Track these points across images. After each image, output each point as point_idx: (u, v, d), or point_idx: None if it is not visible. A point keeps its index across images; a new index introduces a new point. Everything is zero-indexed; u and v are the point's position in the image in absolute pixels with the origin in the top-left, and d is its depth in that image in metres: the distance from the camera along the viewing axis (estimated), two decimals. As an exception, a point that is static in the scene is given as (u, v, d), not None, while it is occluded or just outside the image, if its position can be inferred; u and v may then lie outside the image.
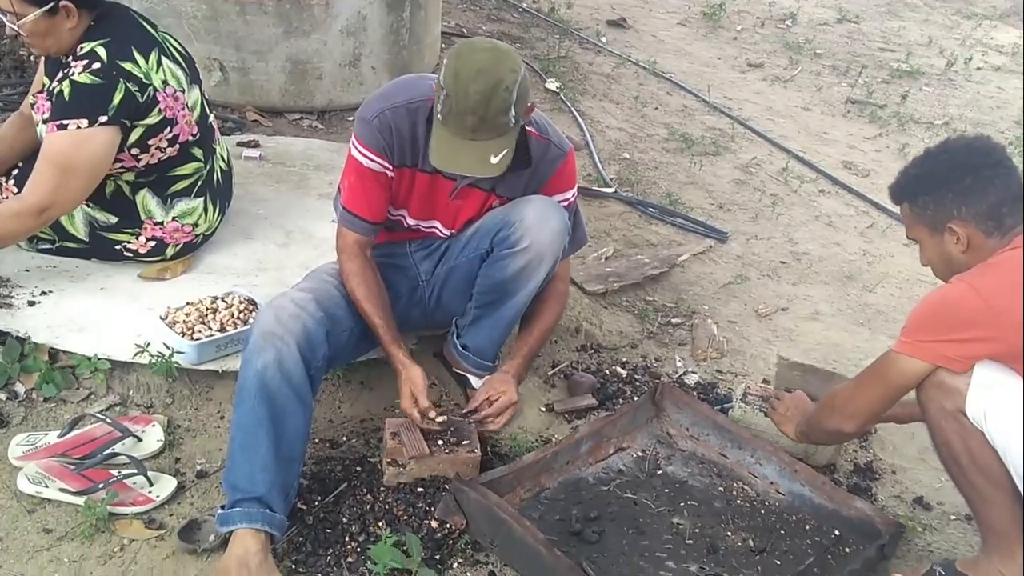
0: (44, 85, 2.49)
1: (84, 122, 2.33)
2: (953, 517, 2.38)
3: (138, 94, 2.39)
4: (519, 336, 2.45)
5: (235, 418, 2.01)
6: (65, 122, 2.33)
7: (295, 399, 2.02)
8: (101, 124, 2.34)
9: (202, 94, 2.70)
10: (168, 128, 2.50)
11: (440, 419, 2.22)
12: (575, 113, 4.73)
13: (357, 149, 2.20)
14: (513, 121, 2.02)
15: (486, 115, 1.97)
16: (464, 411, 2.33)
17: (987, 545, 2.01)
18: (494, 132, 2.00)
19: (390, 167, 2.20)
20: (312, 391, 2.08)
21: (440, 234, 2.38)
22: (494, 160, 2.03)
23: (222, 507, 1.95)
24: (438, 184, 2.25)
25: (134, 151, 2.48)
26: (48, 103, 2.39)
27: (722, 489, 2.34)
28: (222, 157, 2.86)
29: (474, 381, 2.48)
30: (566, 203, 2.33)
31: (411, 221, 2.34)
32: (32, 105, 2.53)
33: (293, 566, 1.97)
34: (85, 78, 2.33)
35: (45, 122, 2.39)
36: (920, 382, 1.93)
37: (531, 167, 2.23)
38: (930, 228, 2.01)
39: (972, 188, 1.92)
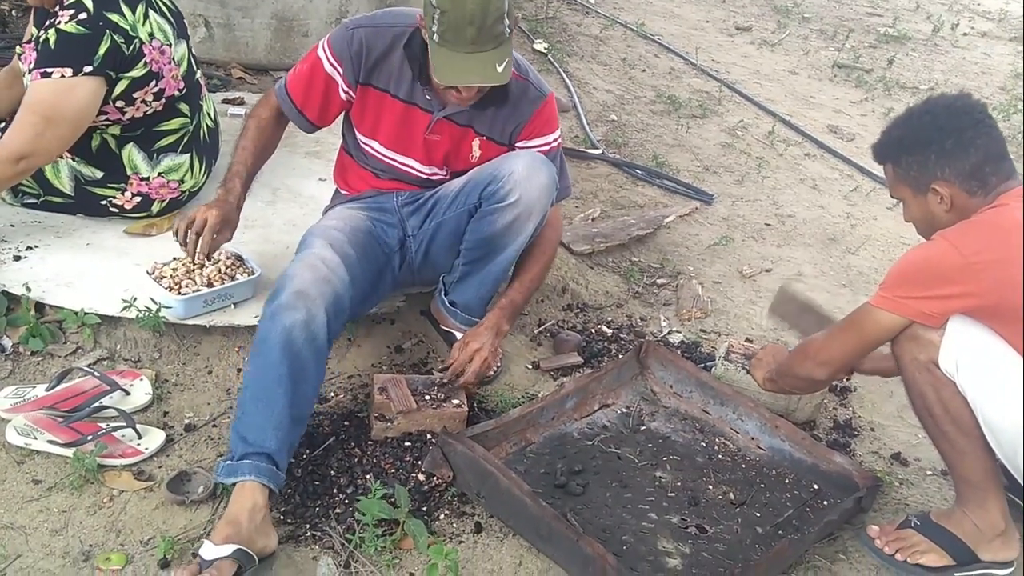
0: (33, 35, 2.46)
1: (68, 71, 2.31)
2: (929, 472, 2.43)
3: (124, 46, 2.37)
4: (505, 286, 2.44)
5: (251, 369, 1.99)
6: (49, 70, 2.31)
7: (315, 362, 2.02)
8: (86, 74, 2.32)
9: (189, 50, 2.68)
10: (154, 82, 2.48)
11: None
12: (563, 74, 4.71)
13: (323, 48, 2.25)
14: (508, 29, 2.03)
15: (484, 23, 1.98)
16: (441, 369, 2.33)
17: (960, 496, 2.07)
18: (493, 41, 2.01)
19: (344, 82, 2.24)
20: (327, 354, 2.10)
21: (417, 173, 2.37)
22: (499, 68, 2.04)
23: (228, 459, 1.93)
24: (413, 117, 2.26)
25: (119, 103, 2.46)
26: (34, 53, 2.37)
27: (704, 444, 2.38)
28: (209, 114, 2.84)
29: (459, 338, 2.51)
30: (550, 147, 2.34)
31: (386, 153, 2.34)
32: (20, 56, 2.50)
33: (282, 517, 2.00)
34: (71, 27, 2.31)
35: (30, 71, 2.36)
36: (895, 335, 1.97)
37: (508, 102, 2.23)
38: (913, 188, 2.03)
39: (954, 149, 1.94)
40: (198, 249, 2.22)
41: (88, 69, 2.32)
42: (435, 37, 2.02)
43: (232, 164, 2.32)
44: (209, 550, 1.78)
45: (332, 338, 2.10)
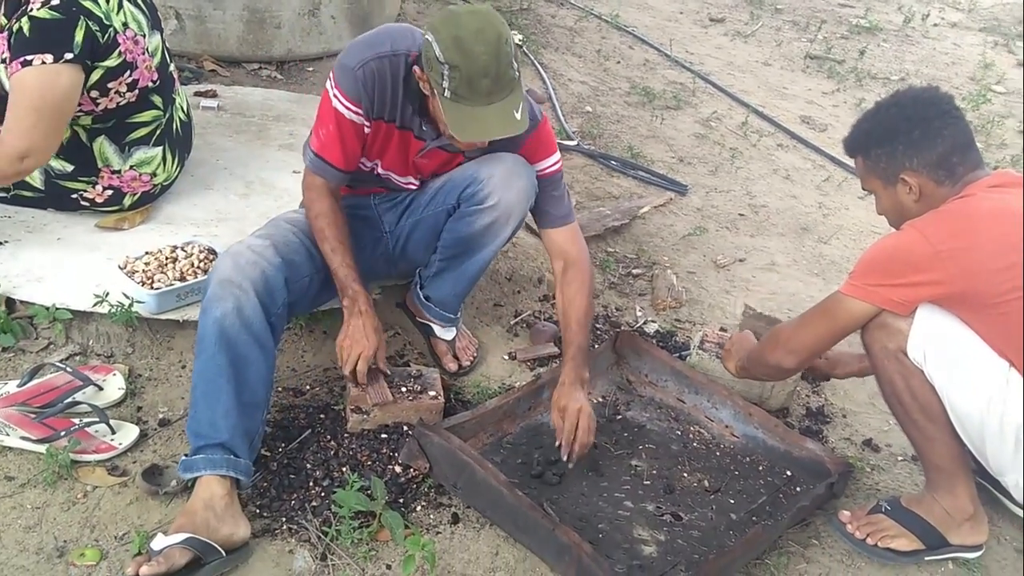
0: (3, 25, 2.43)
1: (49, 57, 2.28)
2: (900, 458, 2.46)
3: (99, 34, 2.34)
4: (563, 332, 2.32)
5: (196, 367, 2.00)
6: (29, 57, 2.27)
7: (255, 346, 2.02)
8: (67, 61, 2.29)
9: (163, 41, 2.66)
10: (128, 72, 2.46)
11: (375, 399, 2.21)
12: (538, 66, 4.72)
13: (337, 98, 2.13)
14: (518, 73, 1.98)
15: (498, 73, 1.92)
16: (557, 445, 2.20)
17: (930, 482, 2.10)
18: (506, 88, 1.95)
19: (368, 121, 2.16)
20: (274, 338, 2.08)
21: (412, 187, 2.37)
22: (517, 115, 1.98)
23: (185, 455, 1.96)
24: (409, 141, 2.23)
25: (93, 94, 2.43)
26: (6, 43, 2.34)
27: (679, 432, 2.40)
28: (181, 108, 2.82)
29: (437, 330, 2.51)
30: (553, 169, 2.31)
31: (383, 171, 2.31)
32: None
33: (258, 510, 2.00)
34: (44, 13, 2.28)
35: (6, 62, 2.33)
36: (864, 323, 1.99)
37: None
38: (883, 180, 2.05)
39: (921, 140, 1.97)
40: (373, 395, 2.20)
41: (69, 56, 2.29)
42: (446, 93, 1.95)
43: (336, 272, 2.17)
44: (159, 541, 1.78)
45: (276, 319, 2.08)
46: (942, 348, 1.91)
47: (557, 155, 2.33)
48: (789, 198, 3.95)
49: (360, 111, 2.14)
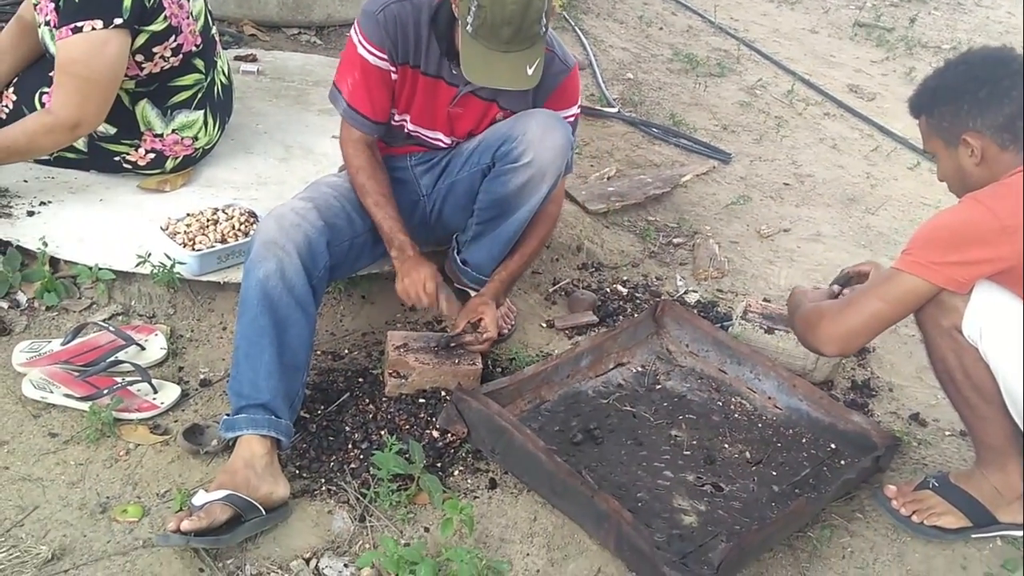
0: None
1: (99, 23, 2.27)
2: (948, 433, 2.41)
3: None
4: (506, 259, 2.39)
5: (238, 328, 2.01)
6: (79, 24, 2.27)
7: (297, 308, 2.02)
8: (116, 27, 2.29)
9: (206, 4, 2.65)
10: (173, 36, 2.45)
11: (446, 308, 2.23)
12: (579, 32, 4.65)
13: (361, 44, 2.14)
14: (544, 28, 1.97)
15: (522, 25, 1.92)
16: (449, 337, 2.29)
17: (980, 459, 2.05)
18: (528, 42, 1.96)
19: (393, 67, 2.16)
20: (315, 301, 2.08)
21: (442, 144, 2.35)
22: (529, 71, 1.99)
23: (227, 414, 1.97)
24: (439, 89, 2.21)
25: (138, 58, 2.43)
26: (52, 4, 2.34)
27: (720, 403, 2.37)
28: (223, 71, 2.81)
29: (474, 296, 2.49)
30: (569, 119, 2.30)
31: (412, 127, 2.30)
32: (35, 6, 2.46)
33: (297, 471, 2.00)
34: None
35: (50, 25, 2.33)
36: (923, 304, 1.89)
37: None
38: (946, 141, 1.96)
39: (988, 99, 1.87)
40: (442, 299, 2.21)
41: (119, 21, 2.28)
42: (468, 28, 1.95)
43: (381, 225, 2.20)
44: (200, 497, 1.80)
45: (318, 282, 2.08)
46: (999, 326, 1.84)
47: (577, 107, 2.32)
48: (836, 168, 3.86)
49: (384, 55, 2.13)
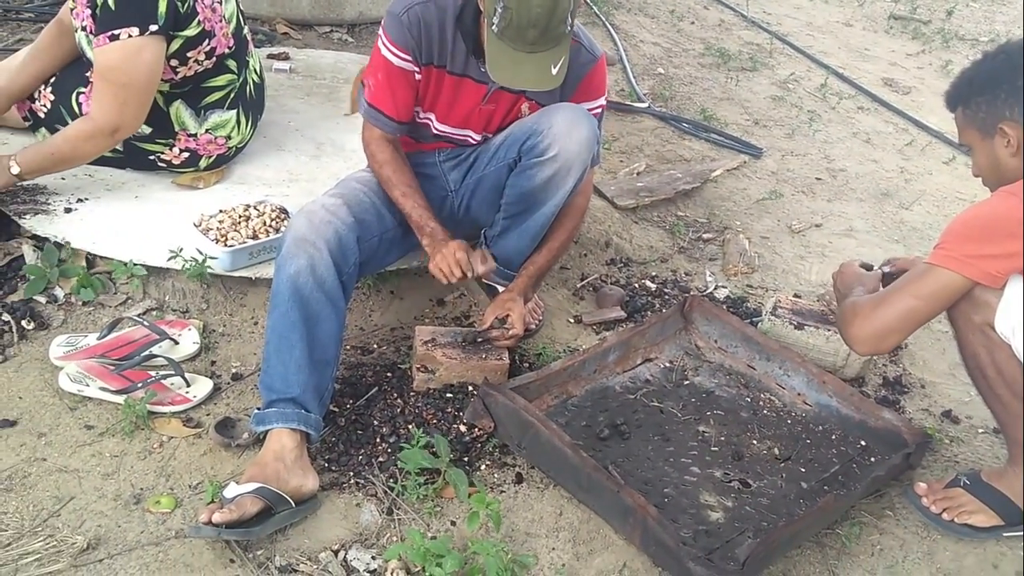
0: None
1: (135, 30, 2.31)
2: (981, 430, 2.37)
3: (179, 4, 2.37)
4: (531, 253, 2.40)
5: (269, 323, 2.04)
6: (117, 32, 2.31)
7: (328, 303, 2.04)
8: (152, 33, 2.33)
9: (238, 5, 2.68)
10: (206, 41, 2.49)
11: (481, 267, 2.22)
12: (609, 27, 4.64)
13: (385, 46, 2.16)
14: (569, 28, 1.98)
15: (548, 27, 1.93)
16: (476, 332, 2.31)
17: (1012, 457, 2.02)
18: (553, 42, 1.96)
19: (417, 67, 2.18)
20: (345, 296, 2.10)
21: (472, 141, 2.36)
22: (554, 71, 2.00)
23: (258, 408, 2.00)
24: (465, 88, 2.22)
25: (173, 63, 2.47)
26: (88, 11, 2.38)
27: (749, 399, 2.36)
28: (255, 70, 2.84)
29: (502, 291, 2.50)
30: (595, 111, 2.30)
31: (439, 126, 2.31)
32: (72, 11, 2.51)
33: (326, 464, 2.03)
34: None
35: (86, 30, 2.37)
36: (957, 299, 1.86)
37: None
38: (981, 132, 1.92)
39: None
40: (477, 266, 2.23)
41: (154, 28, 2.32)
42: (494, 28, 1.96)
43: (411, 214, 2.23)
44: (232, 489, 1.83)
45: (348, 278, 2.10)
46: None
47: (603, 99, 2.32)
48: (869, 162, 3.82)
49: (408, 57, 2.15)
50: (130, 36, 2.31)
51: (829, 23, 5.38)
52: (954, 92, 1.98)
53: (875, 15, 5.60)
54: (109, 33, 2.32)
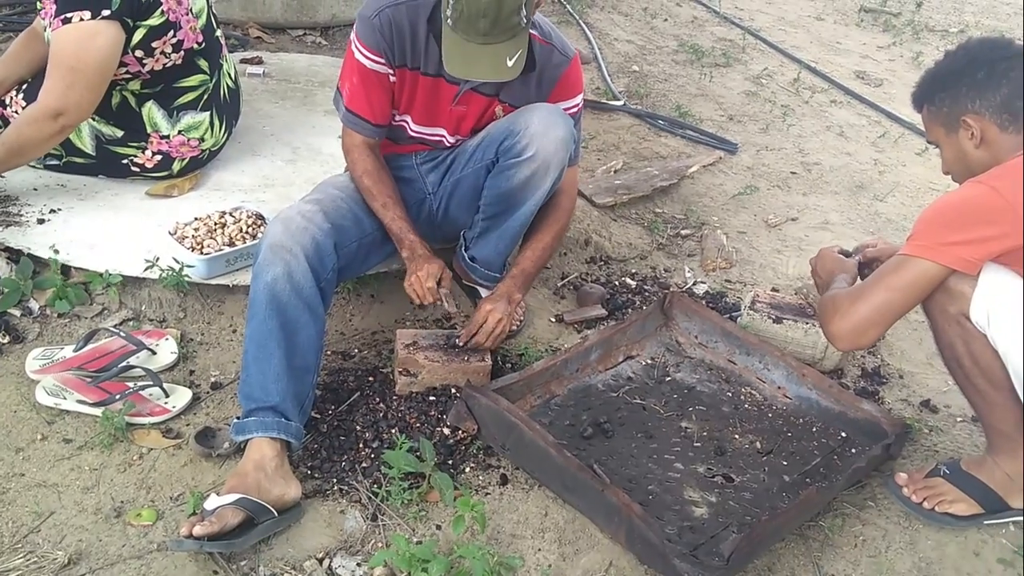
0: None
1: (87, 14, 2.30)
2: (959, 419, 2.40)
3: None
4: (518, 254, 2.40)
5: (248, 331, 2.02)
6: (69, 15, 2.30)
7: (306, 310, 2.03)
8: (104, 18, 2.31)
9: (209, 6, 2.66)
10: (171, 32, 2.47)
11: (449, 307, 2.22)
12: (583, 26, 4.64)
13: (358, 49, 2.16)
14: (525, 20, 1.98)
15: (498, 16, 1.93)
16: (459, 337, 2.29)
17: (991, 445, 2.04)
18: (507, 34, 1.96)
19: (391, 70, 2.17)
20: (324, 302, 2.09)
21: (446, 143, 2.35)
22: (510, 63, 1.99)
23: (237, 417, 1.99)
24: (440, 89, 2.22)
25: (138, 53, 2.45)
26: (53, 6, 2.36)
27: (730, 394, 2.37)
28: (229, 74, 2.83)
29: (483, 293, 2.49)
30: (573, 110, 2.30)
31: (415, 127, 2.31)
32: (39, 11, 2.49)
33: (309, 471, 2.02)
34: None
35: (50, 23, 2.36)
36: (933, 289, 1.87)
37: (535, 71, 2.19)
38: (946, 127, 1.96)
39: (986, 81, 1.88)
40: (443, 296, 2.21)
41: (106, 13, 2.31)
42: (448, 21, 1.97)
43: (390, 227, 2.23)
44: (212, 501, 1.81)
45: (326, 284, 2.09)
46: (1007, 311, 1.83)
47: (579, 98, 2.32)
48: (843, 155, 3.84)
49: (382, 60, 2.15)
50: (82, 20, 2.30)
51: (801, 17, 5.42)
52: (919, 91, 2.02)
53: (846, 8, 5.64)
54: (63, 16, 2.31)
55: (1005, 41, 1.96)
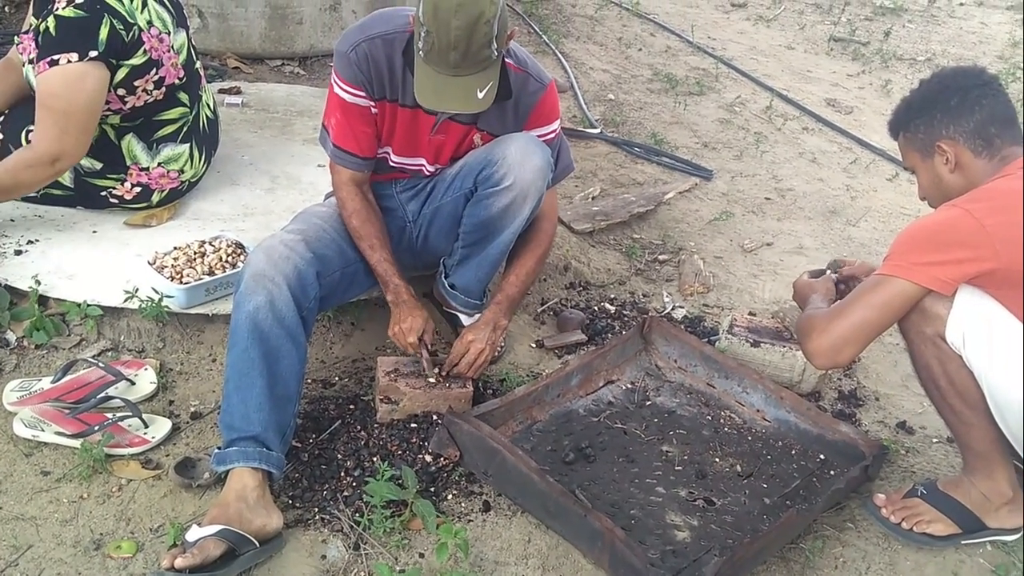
0: (32, 25, 2.46)
1: (74, 56, 2.30)
2: (935, 440, 2.43)
3: (123, 32, 2.36)
4: (501, 280, 2.41)
5: (229, 360, 2.02)
6: (56, 57, 2.30)
7: (288, 339, 2.03)
8: (91, 59, 2.31)
9: (189, 39, 2.68)
10: (154, 70, 2.48)
11: (430, 366, 2.24)
12: (559, 55, 4.70)
13: (338, 84, 2.18)
14: (495, 53, 2.00)
15: (468, 50, 1.95)
16: (444, 367, 2.30)
17: (967, 466, 2.07)
18: (478, 66, 1.99)
19: (372, 102, 2.19)
20: (305, 331, 2.09)
21: (426, 171, 2.37)
22: (480, 95, 2.02)
23: (218, 447, 1.98)
24: (419, 119, 2.24)
25: (120, 91, 2.45)
26: (33, 43, 2.36)
27: (710, 418, 2.39)
28: (208, 105, 2.84)
29: (463, 319, 2.50)
30: (550, 136, 2.32)
31: (396, 158, 2.33)
32: (17, 45, 2.49)
33: (290, 501, 2.01)
34: (69, 12, 2.31)
35: (33, 62, 2.36)
36: (908, 309, 1.90)
37: (511, 99, 2.22)
38: (922, 153, 2.01)
39: (959, 107, 1.94)
40: (424, 360, 2.25)
41: (94, 54, 2.31)
42: (420, 53, 2.00)
43: (376, 268, 2.25)
44: (194, 532, 1.80)
45: (308, 313, 2.10)
46: (982, 332, 1.86)
47: (556, 124, 2.35)
48: (816, 181, 3.91)
49: (362, 93, 2.18)
50: (69, 62, 2.30)
51: (772, 47, 5.51)
52: (895, 119, 2.08)
53: (816, 38, 5.75)
54: (49, 59, 2.31)
55: (977, 69, 2.02)
